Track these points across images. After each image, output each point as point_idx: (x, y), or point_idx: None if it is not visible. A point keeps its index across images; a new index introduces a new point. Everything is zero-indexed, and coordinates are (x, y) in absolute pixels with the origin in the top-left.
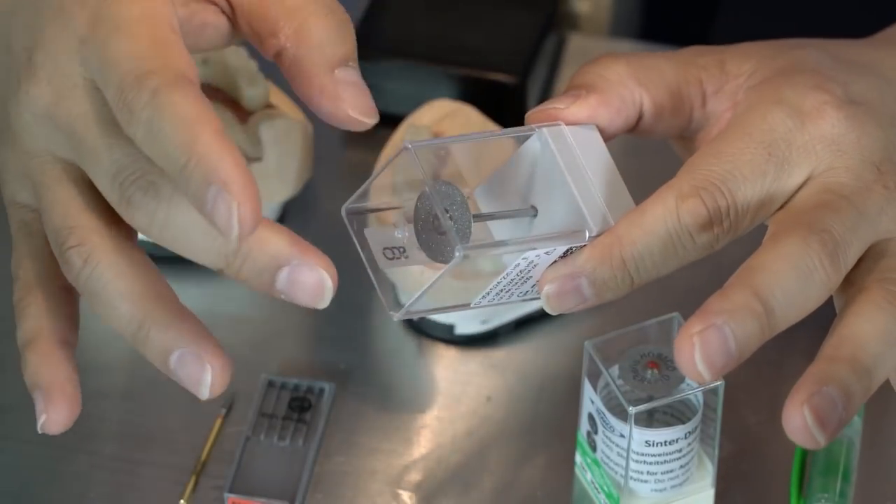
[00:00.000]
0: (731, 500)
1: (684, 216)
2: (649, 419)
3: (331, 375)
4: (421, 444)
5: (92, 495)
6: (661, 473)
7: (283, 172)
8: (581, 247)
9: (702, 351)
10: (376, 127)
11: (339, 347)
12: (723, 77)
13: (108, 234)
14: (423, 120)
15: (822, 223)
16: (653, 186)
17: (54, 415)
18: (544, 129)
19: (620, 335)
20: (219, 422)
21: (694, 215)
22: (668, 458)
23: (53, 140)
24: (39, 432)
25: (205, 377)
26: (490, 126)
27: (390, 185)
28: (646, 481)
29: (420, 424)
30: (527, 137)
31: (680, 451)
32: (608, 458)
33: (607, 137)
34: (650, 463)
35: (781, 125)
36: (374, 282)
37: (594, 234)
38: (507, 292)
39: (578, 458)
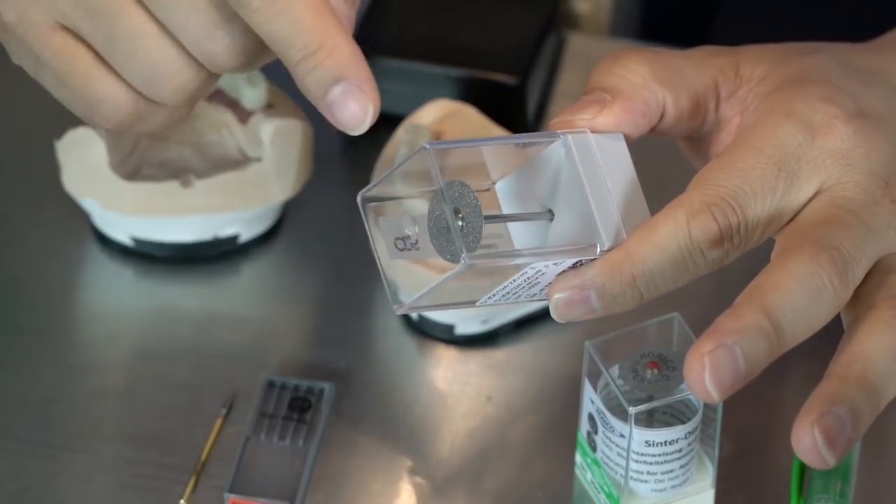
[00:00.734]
0: (731, 500)
1: (695, 233)
2: (649, 419)
3: (331, 375)
4: (421, 444)
5: (92, 495)
6: (661, 473)
7: (283, 172)
8: (592, 259)
9: (712, 371)
10: (376, 127)
11: (339, 347)
12: (737, 81)
13: None
14: (423, 120)
15: (832, 240)
16: (658, 188)
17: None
18: (569, 137)
19: (620, 335)
20: (219, 422)
21: (705, 232)
22: (668, 458)
23: None
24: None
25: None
26: (490, 126)
27: (408, 175)
28: (646, 481)
29: (420, 424)
30: (551, 142)
31: (680, 451)
32: (608, 458)
33: (629, 141)
34: (650, 463)
35: (792, 140)
36: (382, 272)
37: (606, 248)
38: (513, 294)
39: (578, 458)
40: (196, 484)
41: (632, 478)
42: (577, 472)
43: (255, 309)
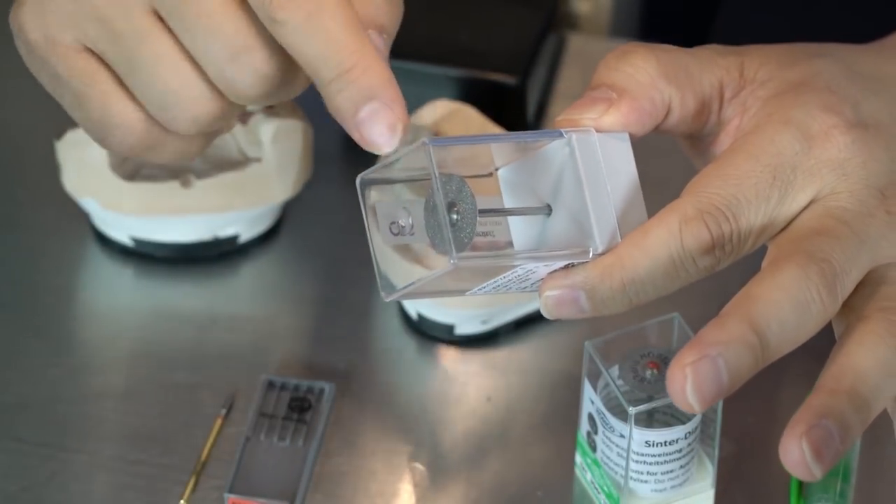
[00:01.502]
0: (731, 500)
1: (687, 240)
2: (649, 419)
3: (331, 375)
4: (421, 444)
5: (92, 495)
6: (661, 474)
7: (283, 172)
8: (585, 261)
9: (693, 382)
10: None
11: (339, 347)
12: (741, 82)
13: None
14: (423, 120)
15: (822, 252)
16: (659, 189)
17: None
18: (573, 136)
19: (620, 335)
20: (219, 422)
21: (697, 239)
22: (668, 458)
23: None
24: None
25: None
26: (490, 126)
27: (409, 164)
28: (646, 481)
29: (420, 424)
30: (554, 140)
31: (680, 451)
32: (608, 458)
33: (633, 140)
34: (650, 463)
35: (789, 148)
36: (374, 256)
37: (599, 252)
38: (504, 287)
39: (578, 458)
40: (196, 484)
41: (632, 478)
42: (577, 472)
43: (254, 309)
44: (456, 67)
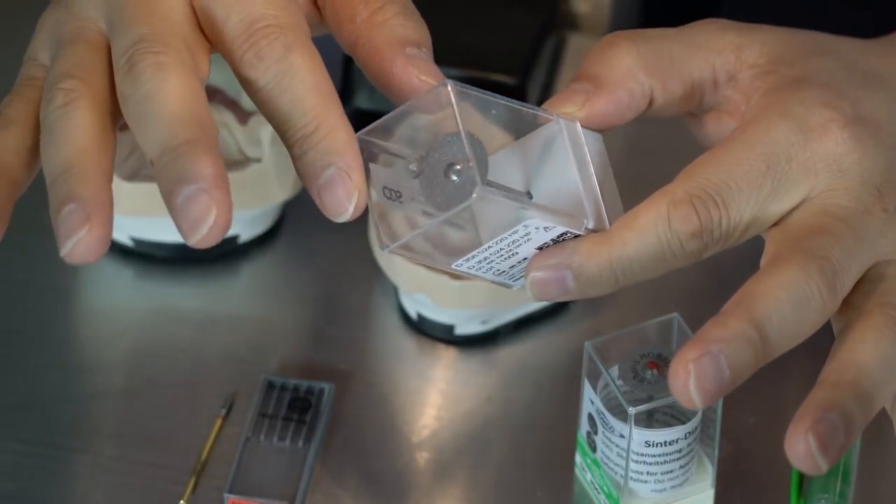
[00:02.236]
0: (731, 500)
1: (675, 223)
2: (649, 419)
3: (331, 375)
4: (421, 444)
5: (92, 495)
6: (661, 474)
7: (282, 173)
8: (574, 237)
9: (696, 378)
10: None
11: (339, 347)
12: (737, 64)
13: (100, 96)
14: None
15: (822, 250)
16: (650, 189)
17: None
18: (562, 121)
19: (620, 335)
20: (219, 422)
21: (685, 223)
22: (667, 458)
23: (102, 12)
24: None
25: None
26: (490, 126)
27: (412, 125)
28: (646, 482)
29: (420, 424)
30: (547, 120)
31: (680, 451)
32: (608, 458)
33: (617, 127)
34: (650, 463)
35: (784, 140)
36: (371, 214)
37: (590, 226)
38: (487, 263)
39: (578, 458)
40: (196, 484)
41: (631, 478)
42: (577, 472)
43: (254, 309)
44: (456, 67)
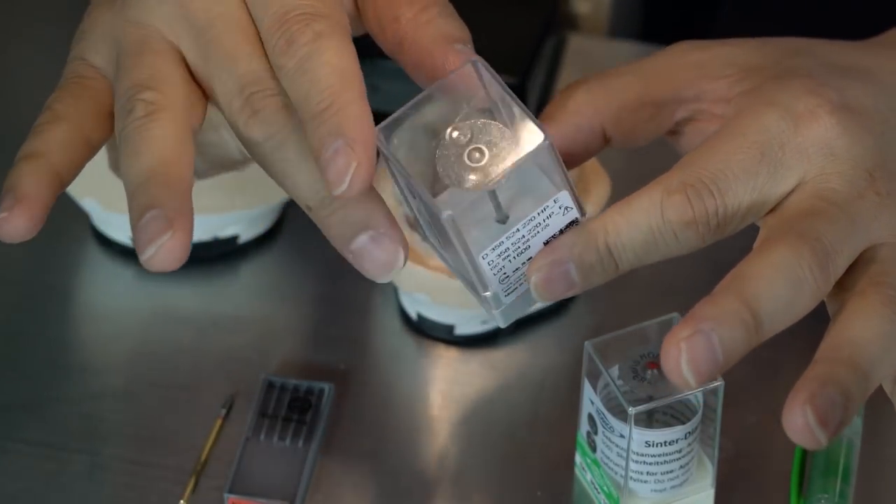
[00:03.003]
0: (731, 500)
1: (668, 212)
2: (649, 419)
3: (331, 375)
4: (421, 444)
5: (92, 496)
6: (661, 474)
7: None
8: (570, 228)
9: (688, 356)
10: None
11: (339, 347)
12: (702, 81)
13: (179, 107)
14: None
15: (814, 231)
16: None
17: (16, 220)
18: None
19: (620, 335)
20: (219, 422)
21: (678, 212)
22: (667, 458)
23: (171, 23)
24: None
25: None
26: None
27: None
28: (645, 482)
29: (420, 424)
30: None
31: (680, 451)
32: (608, 458)
33: (573, 163)
34: (650, 463)
35: (775, 126)
36: (402, 194)
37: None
38: (504, 258)
39: (578, 458)
40: (196, 484)
41: (631, 478)
42: (577, 472)
43: (254, 309)
44: None
